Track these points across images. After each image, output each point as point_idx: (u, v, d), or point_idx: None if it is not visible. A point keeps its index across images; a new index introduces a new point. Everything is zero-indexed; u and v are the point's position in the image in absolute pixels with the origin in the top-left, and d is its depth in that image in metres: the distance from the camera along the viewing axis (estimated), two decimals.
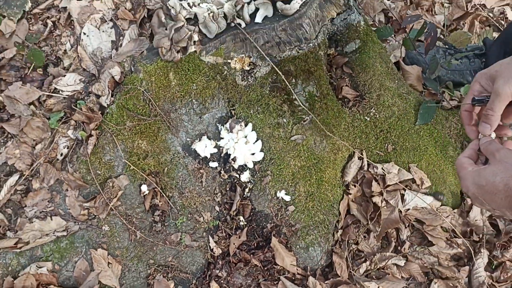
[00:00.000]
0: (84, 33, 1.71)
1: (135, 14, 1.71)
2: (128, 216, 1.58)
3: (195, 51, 1.48)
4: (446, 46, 1.97)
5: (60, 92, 1.64)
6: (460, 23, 2.16)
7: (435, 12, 2.18)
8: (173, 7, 1.47)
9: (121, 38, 1.71)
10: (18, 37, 1.74)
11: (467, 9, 2.15)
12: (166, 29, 1.48)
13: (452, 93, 1.83)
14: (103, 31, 1.73)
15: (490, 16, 2.18)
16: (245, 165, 1.60)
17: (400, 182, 1.67)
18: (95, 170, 1.55)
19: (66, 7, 1.80)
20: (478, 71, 1.79)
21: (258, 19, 1.50)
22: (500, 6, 2.21)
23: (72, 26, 1.78)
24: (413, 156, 1.73)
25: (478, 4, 2.19)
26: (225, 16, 1.49)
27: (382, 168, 1.67)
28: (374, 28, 1.82)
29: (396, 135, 1.72)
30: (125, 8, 1.73)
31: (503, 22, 2.17)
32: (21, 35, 1.77)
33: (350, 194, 1.69)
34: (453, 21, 2.16)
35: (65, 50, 1.75)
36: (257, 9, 1.52)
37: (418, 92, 1.84)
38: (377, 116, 1.70)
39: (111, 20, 1.75)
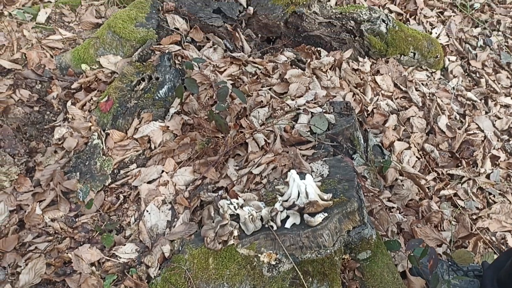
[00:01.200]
0: (147, 211, 2.11)
1: (190, 202, 2.12)
2: None
3: (233, 244, 1.83)
4: (450, 262, 2.24)
5: (118, 257, 1.99)
6: (465, 241, 2.46)
7: (443, 228, 2.51)
8: (222, 206, 1.87)
9: (175, 219, 2.10)
10: (95, 205, 2.17)
11: (471, 230, 2.47)
12: (213, 222, 1.86)
13: None
14: (162, 211, 2.13)
15: (492, 240, 2.48)
16: None
17: None
18: None
19: (137, 187, 2.25)
20: None
21: (288, 225, 1.86)
22: (502, 231, 2.53)
23: (139, 203, 2.20)
24: None
25: (482, 227, 2.51)
26: (261, 219, 1.87)
27: None
28: (385, 239, 2.14)
29: None
30: (183, 196, 2.15)
31: (503, 247, 2.46)
32: (97, 204, 2.21)
33: None
34: (459, 239, 2.47)
35: (129, 222, 2.15)
36: (287, 217, 1.89)
37: None
38: None
39: (170, 203, 2.16)
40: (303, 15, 3.02)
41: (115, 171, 2.37)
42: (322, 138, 2.38)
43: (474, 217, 2.62)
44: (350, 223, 1.94)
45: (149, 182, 2.25)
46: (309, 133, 2.40)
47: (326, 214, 1.87)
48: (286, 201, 1.92)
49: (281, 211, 1.89)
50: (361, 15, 3.16)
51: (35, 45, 2.87)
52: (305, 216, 1.86)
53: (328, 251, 1.86)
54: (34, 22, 3.04)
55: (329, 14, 3.13)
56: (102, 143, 2.40)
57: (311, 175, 2.00)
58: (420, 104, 3.09)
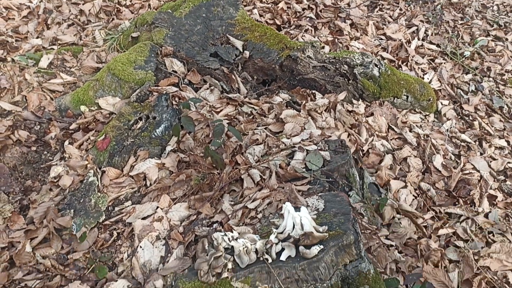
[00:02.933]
0: (141, 247, 2.08)
1: (185, 237, 2.09)
2: None
3: (227, 277, 1.78)
4: None
5: None
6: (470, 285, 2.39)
7: (448, 270, 2.45)
8: (216, 239, 1.84)
9: (169, 255, 2.06)
10: (88, 242, 2.14)
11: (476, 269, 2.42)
12: (207, 255, 1.82)
13: None
14: (156, 247, 2.10)
15: (494, 278, 2.42)
16: None
17: None
18: None
19: (131, 223, 2.22)
20: None
21: (283, 257, 1.83)
22: (503, 270, 2.47)
23: (132, 239, 2.17)
24: None
25: (483, 266, 2.46)
26: (256, 251, 1.84)
27: None
28: (384, 277, 2.09)
29: None
30: (178, 231, 2.12)
31: (506, 286, 2.39)
32: (90, 241, 2.17)
33: None
34: (463, 282, 2.40)
35: (122, 259, 2.11)
36: (282, 249, 1.86)
37: None
38: None
39: (164, 238, 2.13)
40: (297, 59, 3.12)
41: (109, 208, 2.36)
42: (317, 174, 2.38)
43: (476, 257, 2.57)
44: (346, 256, 1.91)
45: (143, 218, 2.23)
46: (304, 169, 2.41)
47: (321, 247, 1.84)
48: (281, 233, 1.90)
49: (276, 243, 1.86)
50: (354, 60, 3.25)
51: (36, 88, 2.94)
52: (301, 248, 1.83)
53: (325, 284, 1.82)
54: (36, 67, 3.12)
55: (323, 59, 3.22)
56: (97, 180, 2.40)
57: (307, 209, 1.99)
58: (415, 144, 3.12)
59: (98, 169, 2.46)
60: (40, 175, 2.58)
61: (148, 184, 2.43)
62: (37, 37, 3.51)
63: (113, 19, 3.87)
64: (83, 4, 3.95)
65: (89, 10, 3.88)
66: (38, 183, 2.53)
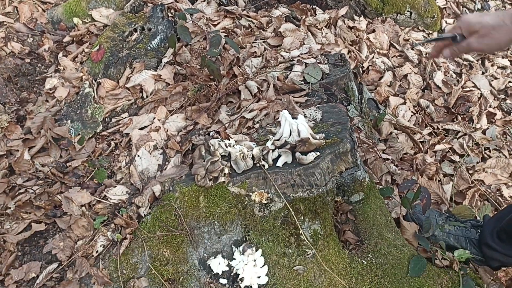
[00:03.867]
0: (138, 156, 2.09)
1: (182, 146, 2.10)
2: None
3: (224, 182, 1.81)
4: (448, 214, 2.22)
5: (108, 199, 1.97)
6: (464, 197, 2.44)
7: (442, 183, 2.48)
8: (212, 145, 1.84)
9: (166, 163, 2.08)
10: (86, 151, 2.15)
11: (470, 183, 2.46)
12: (204, 161, 1.83)
13: (444, 253, 2.03)
14: (153, 156, 2.11)
15: (488, 191, 2.46)
16: (251, 286, 1.80)
17: None
18: (121, 269, 1.80)
19: (128, 134, 2.22)
20: (472, 240, 2.03)
21: (279, 163, 1.84)
22: (497, 184, 2.51)
23: (130, 149, 2.18)
24: None
25: (476, 180, 2.50)
26: (253, 158, 1.85)
27: None
28: (379, 187, 2.12)
29: (390, 281, 1.90)
30: (175, 141, 2.13)
31: (500, 198, 2.44)
32: (89, 150, 2.18)
33: None
34: (457, 194, 2.45)
35: (120, 167, 2.13)
36: (279, 156, 1.87)
37: (413, 247, 2.06)
38: (373, 261, 1.92)
39: (161, 148, 2.14)
40: None
41: (106, 120, 2.35)
42: (315, 87, 2.35)
43: (471, 171, 2.60)
44: (342, 164, 1.92)
45: (140, 129, 2.23)
46: (302, 82, 2.37)
47: (318, 153, 1.85)
48: (278, 140, 1.90)
49: (273, 150, 1.87)
50: None
51: None
52: (297, 154, 1.84)
53: (320, 190, 1.84)
54: None
55: None
56: (93, 91, 2.37)
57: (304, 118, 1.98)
58: (416, 62, 3.06)
59: (93, 81, 2.42)
60: (36, 87, 2.55)
61: (144, 96, 2.40)
62: None
63: None
64: None
65: None
66: (34, 94, 2.51)
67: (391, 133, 2.63)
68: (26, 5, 2.76)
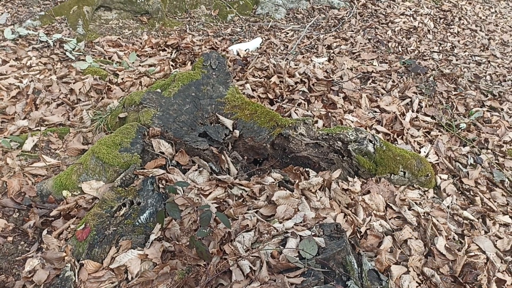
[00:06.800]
0: None
1: None
2: None
3: None
4: None
5: None
6: None
7: None
8: None
9: None
10: None
11: None
12: None
13: None
14: None
15: None
16: None
17: None
18: None
19: None
20: None
21: None
22: None
23: None
24: None
25: None
26: None
27: None
28: None
29: None
30: None
31: None
32: None
33: None
34: None
35: None
36: None
37: None
38: None
39: None
40: (289, 137, 3.03)
41: None
42: (312, 263, 2.21)
43: None
44: None
45: None
46: (297, 258, 2.24)
47: None
48: None
49: None
50: (348, 136, 3.17)
51: (18, 173, 2.82)
52: None
53: None
54: (20, 150, 3.03)
55: (315, 135, 3.14)
56: (74, 275, 2.22)
57: None
58: (415, 224, 2.95)
59: (76, 262, 2.29)
60: (15, 268, 2.40)
61: (129, 277, 2.24)
62: (24, 118, 3.45)
63: (103, 97, 3.84)
64: (73, 83, 3.94)
65: (80, 89, 3.86)
66: (12, 277, 2.35)
67: None
68: (15, 180, 2.75)
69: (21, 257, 2.43)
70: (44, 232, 2.51)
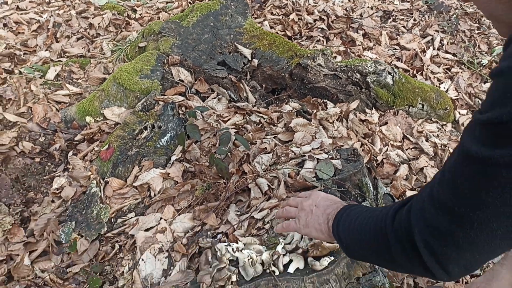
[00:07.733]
0: (142, 259, 1.98)
1: (188, 249, 1.99)
2: None
3: None
4: None
5: None
6: None
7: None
8: (219, 249, 1.73)
9: (171, 268, 1.96)
10: (89, 255, 2.05)
11: None
12: (210, 267, 1.72)
13: None
14: (158, 260, 1.99)
15: None
16: None
17: None
18: None
19: (133, 235, 2.13)
20: None
21: (291, 269, 1.71)
22: None
23: (134, 252, 2.08)
24: None
25: None
26: (262, 263, 1.72)
27: None
28: None
29: None
30: (181, 243, 2.02)
31: None
32: (91, 254, 2.08)
33: None
34: None
35: (123, 272, 2.01)
36: (290, 261, 1.74)
37: None
38: None
39: (167, 251, 2.03)
40: (307, 67, 3.03)
41: (112, 220, 2.27)
42: (328, 184, 2.27)
43: None
44: (359, 268, 1.79)
45: (146, 230, 2.14)
46: (314, 179, 2.30)
47: (332, 258, 1.73)
48: (289, 243, 1.79)
49: (284, 255, 1.75)
50: (367, 68, 3.15)
51: (42, 99, 2.90)
52: (309, 259, 1.71)
53: None
54: (43, 79, 3.09)
55: (334, 67, 3.13)
56: (100, 191, 2.32)
57: None
58: (432, 154, 2.98)
59: (101, 180, 2.38)
60: (43, 186, 2.51)
61: (152, 194, 2.34)
62: (46, 50, 3.49)
63: (121, 31, 3.85)
64: (92, 18, 3.95)
65: (99, 23, 3.87)
66: (41, 194, 2.47)
67: None
68: (40, 106, 2.82)
69: (49, 176, 2.54)
70: (70, 153, 2.60)
